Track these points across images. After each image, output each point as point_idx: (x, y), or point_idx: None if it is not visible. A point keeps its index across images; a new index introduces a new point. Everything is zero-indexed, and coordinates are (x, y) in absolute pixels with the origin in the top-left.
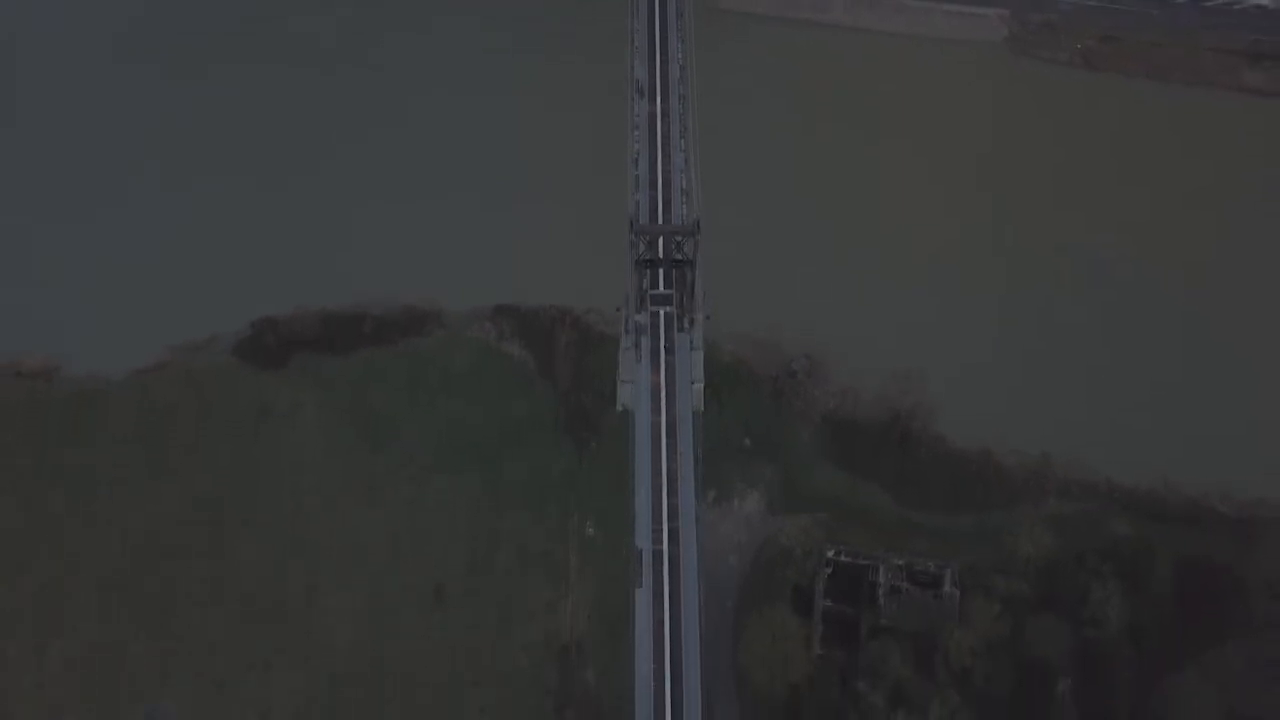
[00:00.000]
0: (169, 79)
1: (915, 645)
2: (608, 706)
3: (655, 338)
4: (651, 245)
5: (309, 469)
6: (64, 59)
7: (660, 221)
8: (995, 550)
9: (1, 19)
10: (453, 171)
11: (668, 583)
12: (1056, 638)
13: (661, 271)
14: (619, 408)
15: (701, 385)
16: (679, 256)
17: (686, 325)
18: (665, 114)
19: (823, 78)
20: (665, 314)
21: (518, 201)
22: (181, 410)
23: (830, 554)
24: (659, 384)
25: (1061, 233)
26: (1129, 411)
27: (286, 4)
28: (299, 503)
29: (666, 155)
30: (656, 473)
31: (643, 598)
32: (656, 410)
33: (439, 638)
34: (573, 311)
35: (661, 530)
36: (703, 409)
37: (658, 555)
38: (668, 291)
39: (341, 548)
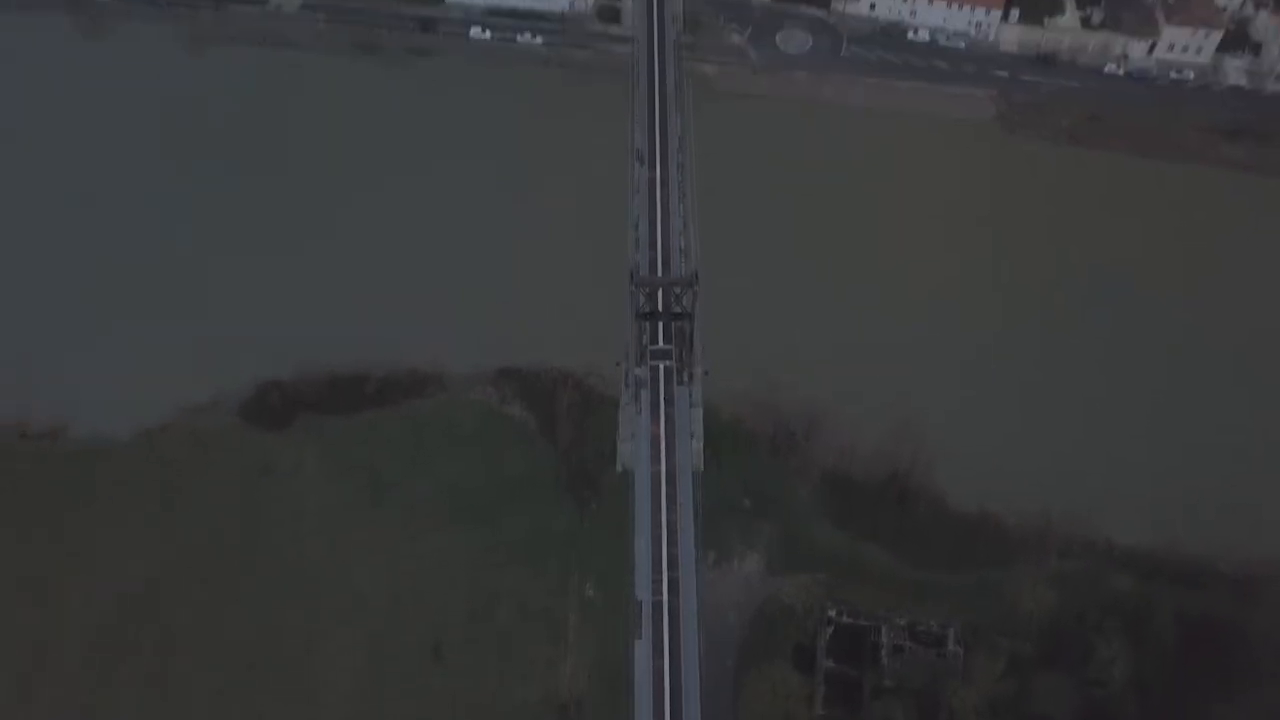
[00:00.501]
0: (175, 146)
1: (919, 704)
2: None
3: (655, 390)
4: (651, 297)
5: (311, 523)
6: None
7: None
8: (997, 607)
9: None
10: (457, 239)
11: (667, 635)
12: (1061, 695)
13: (661, 325)
14: (619, 468)
15: (701, 444)
16: (678, 309)
17: (685, 379)
18: (664, 180)
19: (816, 148)
20: (665, 368)
21: (520, 266)
22: (185, 468)
23: (832, 614)
24: (659, 435)
25: (1056, 294)
26: (1128, 470)
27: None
28: (300, 557)
29: (666, 217)
30: (656, 523)
31: (642, 650)
32: (656, 460)
33: (438, 693)
34: (574, 374)
35: (661, 581)
36: (703, 468)
37: (657, 606)
38: (667, 346)
39: (341, 602)
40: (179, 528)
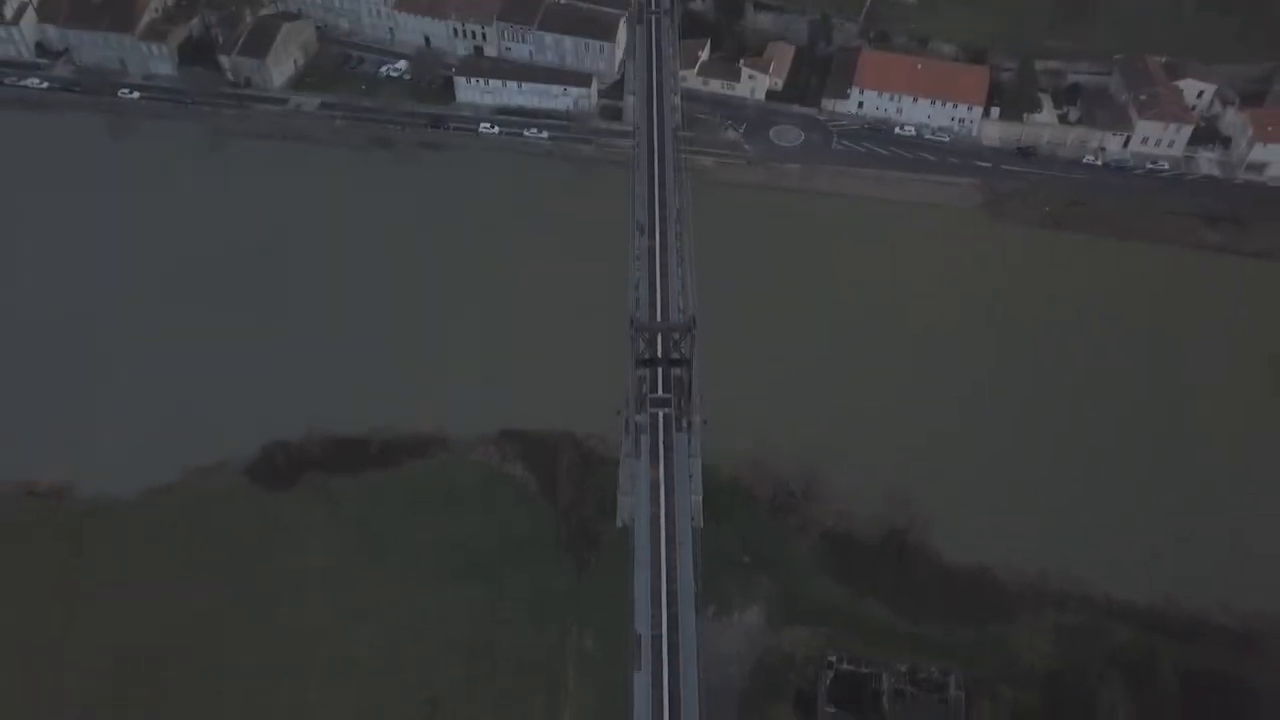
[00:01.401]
0: (193, 226)
1: None
2: None
3: (654, 437)
4: (651, 343)
5: (312, 581)
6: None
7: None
8: (998, 659)
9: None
10: (462, 306)
11: (667, 666)
12: None
13: (660, 372)
14: (619, 523)
15: (700, 498)
16: (676, 355)
17: (685, 426)
18: (664, 246)
19: (810, 228)
20: (664, 415)
21: (522, 332)
22: (190, 527)
23: (832, 659)
24: (658, 479)
25: (1049, 361)
26: (1123, 525)
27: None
28: (301, 614)
29: (665, 278)
30: (656, 560)
31: (641, 681)
32: (655, 502)
33: None
34: (574, 435)
35: (660, 616)
36: (703, 525)
37: (657, 640)
38: (666, 395)
39: (339, 657)
40: (181, 586)
